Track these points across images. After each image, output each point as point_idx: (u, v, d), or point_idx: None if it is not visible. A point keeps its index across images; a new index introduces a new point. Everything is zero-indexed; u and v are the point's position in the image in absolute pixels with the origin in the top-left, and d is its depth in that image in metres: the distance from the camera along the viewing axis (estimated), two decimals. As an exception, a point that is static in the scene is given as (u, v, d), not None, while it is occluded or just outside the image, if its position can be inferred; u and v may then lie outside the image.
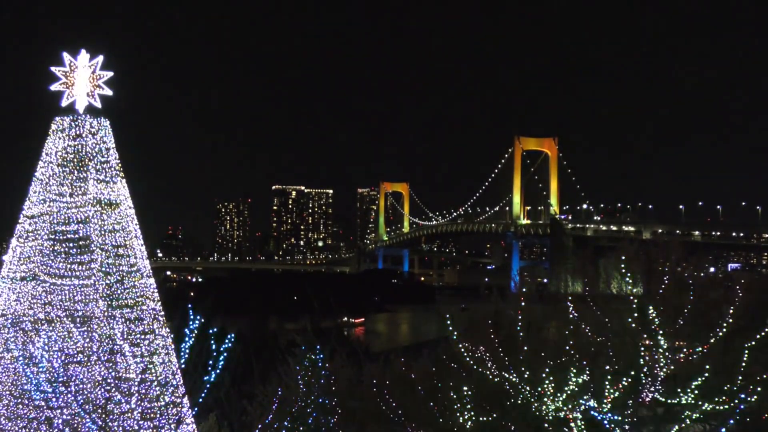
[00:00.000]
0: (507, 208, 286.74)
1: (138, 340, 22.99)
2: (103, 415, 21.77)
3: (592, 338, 25.80)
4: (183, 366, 23.87)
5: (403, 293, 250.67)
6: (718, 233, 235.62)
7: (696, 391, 23.92)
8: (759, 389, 24.08)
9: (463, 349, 26.02)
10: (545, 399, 24.84)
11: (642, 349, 24.79)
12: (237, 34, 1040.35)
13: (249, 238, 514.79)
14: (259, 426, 27.06)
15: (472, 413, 25.52)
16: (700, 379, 23.72)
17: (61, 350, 22.32)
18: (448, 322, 26.27)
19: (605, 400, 24.34)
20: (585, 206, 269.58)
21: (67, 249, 23.16)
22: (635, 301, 24.97)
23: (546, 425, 25.11)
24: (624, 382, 24.23)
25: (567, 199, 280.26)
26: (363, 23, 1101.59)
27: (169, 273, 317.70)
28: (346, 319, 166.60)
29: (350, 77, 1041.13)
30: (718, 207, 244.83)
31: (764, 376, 23.94)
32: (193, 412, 24.94)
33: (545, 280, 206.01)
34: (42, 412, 21.99)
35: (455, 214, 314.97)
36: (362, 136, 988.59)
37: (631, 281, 26.20)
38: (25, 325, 22.75)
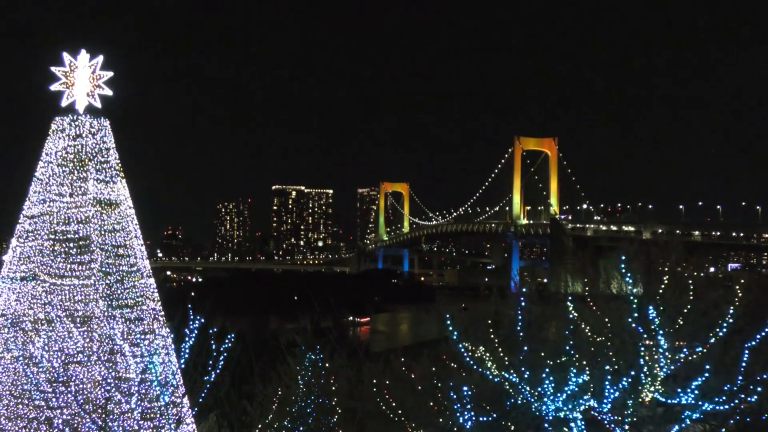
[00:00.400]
0: (507, 208, 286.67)
1: (138, 340, 23.01)
2: (103, 415, 21.78)
3: (592, 338, 25.78)
4: (183, 366, 23.87)
5: (403, 293, 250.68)
6: (718, 233, 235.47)
7: (696, 391, 23.91)
8: (759, 389, 24.07)
9: (463, 349, 26.00)
10: (545, 399, 24.83)
11: (642, 349, 24.77)
12: (237, 33, 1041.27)
13: (249, 238, 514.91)
14: (259, 426, 27.06)
15: (472, 413, 25.51)
16: (700, 379, 23.71)
17: (61, 350, 22.34)
18: (448, 322, 26.23)
19: (605, 400, 24.33)
20: (585, 206, 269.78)
21: (67, 249, 23.18)
22: (635, 301, 24.96)
23: (546, 425, 25.11)
24: (624, 382, 24.22)
25: (567, 199, 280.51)
26: (363, 23, 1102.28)
27: (169, 273, 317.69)
28: (351, 318, 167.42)
29: (350, 77, 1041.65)
30: (718, 207, 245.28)
31: (764, 376, 23.93)
32: (193, 412, 24.95)
33: (545, 280, 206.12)
34: (42, 412, 22.00)
35: (455, 214, 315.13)
36: (363, 136, 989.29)
37: (631, 281, 26.16)
38: (25, 325, 22.76)
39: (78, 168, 23.85)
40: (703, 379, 23.67)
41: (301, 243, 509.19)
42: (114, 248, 23.63)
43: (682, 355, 24.56)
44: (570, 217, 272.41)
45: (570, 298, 27.39)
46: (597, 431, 24.85)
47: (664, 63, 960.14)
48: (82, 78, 24.12)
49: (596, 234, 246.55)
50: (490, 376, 25.88)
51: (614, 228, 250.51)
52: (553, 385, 24.67)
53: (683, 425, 24.62)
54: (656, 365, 24.55)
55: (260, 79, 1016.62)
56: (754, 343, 23.82)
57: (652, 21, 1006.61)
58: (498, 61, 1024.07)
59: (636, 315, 24.76)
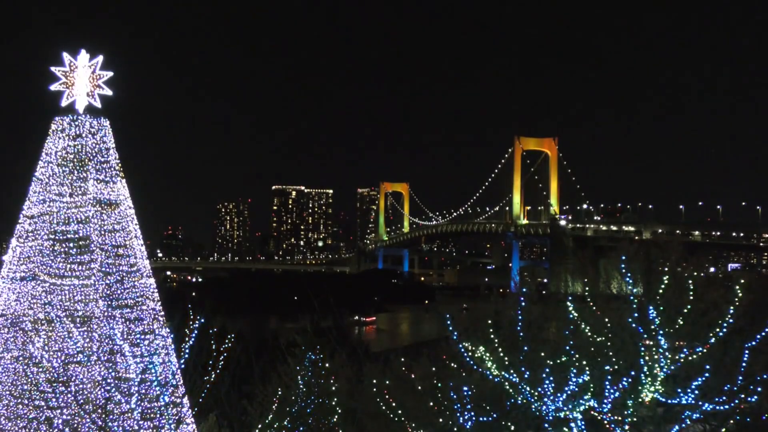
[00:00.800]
0: (507, 208, 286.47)
1: (138, 340, 23.01)
2: (103, 415, 21.78)
3: (592, 338, 25.78)
4: (183, 366, 23.88)
5: (403, 293, 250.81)
6: (718, 233, 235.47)
7: (696, 391, 23.92)
8: (759, 389, 24.08)
9: (463, 349, 26.01)
10: (545, 399, 24.83)
11: (642, 349, 24.78)
12: (237, 34, 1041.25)
13: (249, 238, 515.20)
14: (259, 426, 27.06)
15: (472, 413, 25.52)
16: (700, 379, 23.72)
17: (61, 350, 22.34)
18: (448, 322, 26.24)
19: (605, 400, 24.33)
20: (585, 206, 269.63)
21: (67, 249, 23.18)
22: (635, 301, 24.96)
23: (546, 425, 25.11)
24: (624, 382, 24.23)
25: (567, 199, 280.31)
26: (362, 23, 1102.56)
27: (169, 273, 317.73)
28: (357, 318, 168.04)
29: (350, 77, 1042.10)
30: (718, 207, 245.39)
31: (764, 376, 23.94)
32: (193, 412, 24.95)
33: (545, 280, 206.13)
34: (42, 412, 22.00)
35: (455, 214, 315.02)
36: (362, 136, 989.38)
37: (631, 281, 26.16)
38: (25, 325, 22.76)
39: (78, 168, 23.85)
40: (703, 379, 23.68)
41: (301, 243, 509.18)
42: (114, 248, 23.63)
43: (682, 355, 24.56)
44: (570, 217, 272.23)
45: (570, 298, 27.39)
46: (597, 431, 24.86)
47: (664, 63, 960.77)
48: (82, 78, 24.12)
49: (596, 234, 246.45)
50: (490, 376, 25.88)
51: (614, 228, 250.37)
52: (553, 385, 24.67)
53: (683, 425, 24.64)
54: (656, 365, 24.55)
55: (260, 79, 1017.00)
56: (754, 343, 23.83)
57: (653, 21, 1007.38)
58: (498, 61, 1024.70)
59: (636, 315, 24.77)
